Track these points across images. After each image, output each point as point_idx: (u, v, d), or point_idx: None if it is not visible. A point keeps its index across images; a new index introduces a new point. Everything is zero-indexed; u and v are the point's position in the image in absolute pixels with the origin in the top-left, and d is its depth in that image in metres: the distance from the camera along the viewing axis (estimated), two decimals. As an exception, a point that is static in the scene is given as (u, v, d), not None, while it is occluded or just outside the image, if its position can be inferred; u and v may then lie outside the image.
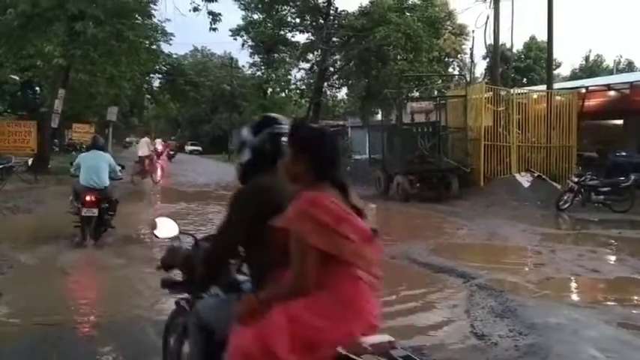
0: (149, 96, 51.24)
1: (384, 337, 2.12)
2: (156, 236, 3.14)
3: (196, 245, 2.85)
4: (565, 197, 14.41)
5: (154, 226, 3.10)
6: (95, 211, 8.30)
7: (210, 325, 2.57)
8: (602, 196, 14.19)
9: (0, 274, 6.50)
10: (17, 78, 28.50)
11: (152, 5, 25.22)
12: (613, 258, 9.02)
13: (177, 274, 2.88)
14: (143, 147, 21.00)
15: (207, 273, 2.53)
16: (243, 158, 2.65)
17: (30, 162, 18.37)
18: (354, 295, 2.10)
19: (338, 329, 2.02)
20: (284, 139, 2.39)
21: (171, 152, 38.29)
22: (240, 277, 2.72)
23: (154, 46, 31.29)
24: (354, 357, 1.91)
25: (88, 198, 8.29)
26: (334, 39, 31.80)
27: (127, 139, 60.92)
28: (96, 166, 8.74)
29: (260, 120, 2.76)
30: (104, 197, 8.57)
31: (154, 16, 27.71)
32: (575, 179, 14.54)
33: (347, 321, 2.05)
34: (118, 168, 9.48)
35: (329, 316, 2.04)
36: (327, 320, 2.03)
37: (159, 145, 28.95)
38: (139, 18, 23.90)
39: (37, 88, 34.62)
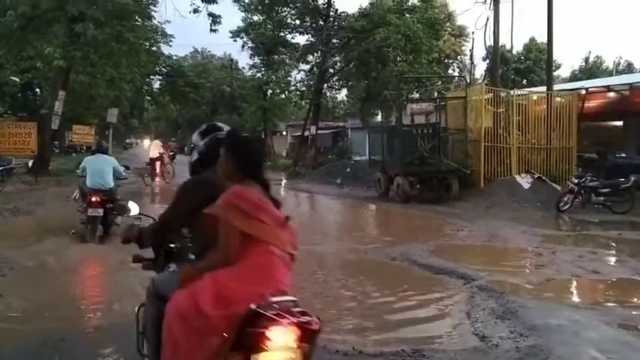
0: (149, 97, 51.25)
1: (289, 298, 2.61)
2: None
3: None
4: (565, 198, 14.41)
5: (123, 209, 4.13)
6: (100, 211, 8.89)
7: (163, 293, 2.95)
8: (602, 198, 14.19)
9: (1, 276, 6.49)
10: (17, 79, 28.52)
11: (152, 7, 25.31)
12: (613, 259, 9.02)
13: (147, 253, 3.39)
14: (154, 149, 22.01)
15: (153, 239, 3.21)
16: (192, 158, 3.35)
17: (30, 164, 18.38)
18: (267, 266, 2.63)
19: (251, 291, 2.52)
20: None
21: (171, 153, 38.30)
22: (193, 257, 3.15)
23: (154, 48, 31.35)
24: (262, 311, 2.41)
25: (93, 199, 8.87)
26: (334, 40, 31.83)
27: (127, 141, 60.96)
28: (101, 169, 9.35)
29: (207, 127, 3.39)
30: (109, 198, 9.14)
31: (154, 18, 27.79)
32: (575, 180, 14.55)
33: (259, 285, 2.56)
34: (122, 169, 10.03)
35: (245, 281, 2.56)
36: (243, 284, 2.54)
37: (159, 148, 28.34)
38: (139, 20, 23.94)
39: (37, 90, 34.64)
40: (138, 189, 18.09)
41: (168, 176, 21.27)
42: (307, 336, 2.46)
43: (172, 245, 3.26)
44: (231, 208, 2.64)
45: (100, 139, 13.91)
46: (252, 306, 2.44)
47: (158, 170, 21.22)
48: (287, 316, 2.41)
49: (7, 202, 13.19)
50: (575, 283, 7.35)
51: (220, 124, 3.38)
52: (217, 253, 2.68)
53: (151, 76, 43.66)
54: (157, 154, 21.63)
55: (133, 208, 4.38)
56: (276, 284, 2.61)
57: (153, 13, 26.01)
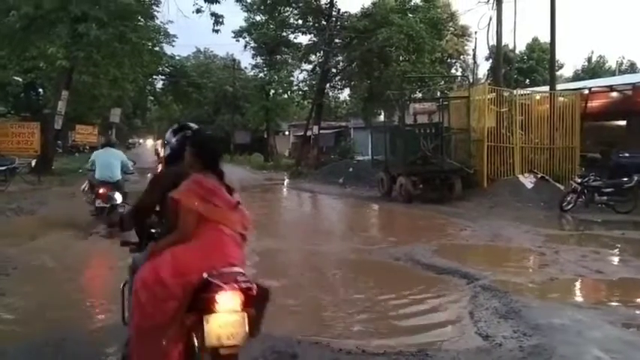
0: (152, 97, 51.34)
1: (236, 269, 3.03)
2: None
3: None
4: (568, 198, 14.38)
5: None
6: (101, 204, 9.41)
7: (138, 268, 3.34)
8: (605, 197, 14.16)
9: (5, 275, 6.51)
10: (20, 79, 28.56)
11: (155, 7, 25.36)
12: (616, 259, 9.01)
13: (132, 237, 3.78)
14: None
15: (131, 223, 3.67)
16: (165, 153, 3.89)
17: (33, 163, 18.42)
18: (218, 243, 3.10)
19: (204, 263, 2.97)
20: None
21: None
22: None
23: (156, 48, 31.39)
24: (212, 280, 2.87)
25: (101, 191, 9.36)
26: (336, 40, 31.84)
27: (130, 141, 61.05)
28: (109, 163, 10.04)
29: (178, 127, 3.91)
30: (116, 189, 9.59)
31: (157, 18, 27.86)
32: (579, 180, 14.51)
33: (210, 259, 3.01)
34: (130, 163, 10.66)
35: (198, 255, 3.02)
36: (196, 257, 3.01)
37: (159, 146, 30.65)
38: (142, 20, 23.98)
39: (41, 90, 34.70)
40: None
41: None
42: (251, 301, 2.93)
43: (153, 230, 3.65)
44: (190, 193, 3.14)
45: (109, 136, 14.73)
46: (205, 275, 2.91)
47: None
48: (233, 283, 2.87)
49: (10, 201, 13.23)
50: (578, 283, 7.34)
51: (190, 124, 3.91)
52: (176, 232, 3.15)
53: (154, 76, 43.75)
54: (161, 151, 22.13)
55: (117, 197, 5.86)
56: (226, 258, 3.06)
57: (155, 13, 26.10)
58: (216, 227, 3.13)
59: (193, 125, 3.90)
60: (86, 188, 10.65)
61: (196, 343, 2.92)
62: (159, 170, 3.90)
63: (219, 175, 3.35)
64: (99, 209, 9.33)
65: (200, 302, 2.89)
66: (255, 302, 2.99)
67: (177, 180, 3.27)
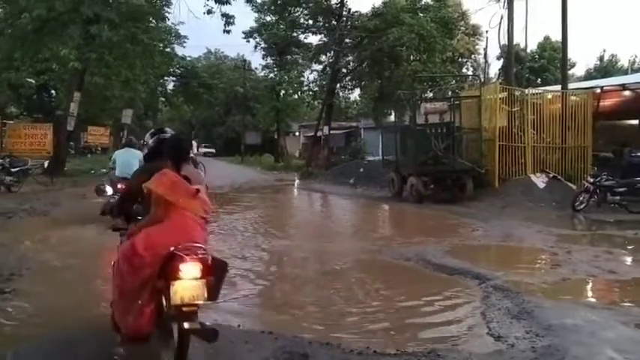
0: (163, 98, 51.65)
1: (197, 245, 3.61)
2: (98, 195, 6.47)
3: None
4: (581, 198, 14.29)
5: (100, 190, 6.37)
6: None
7: None
8: (618, 197, 14.05)
9: (18, 275, 6.55)
10: (33, 81, 28.81)
11: (166, 8, 25.49)
12: (629, 259, 8.93)
13: (121, 223, 4.37)
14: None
15: (119, 210, 4.40)
16: (144, 152, 4.77)
17: (46, 164, 18.55)
18: (182, 225, 3.74)
19: (171, 240, 3.61)
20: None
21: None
22: None
23: (167, 49, 31.62)
24: (177, 252, 3.49)
25: (119, 186, 9.64)
26: (347, 40, 31.84)
27: (142, 142, 61.31)
28: (128, 161, 10.97)
29: (154, 131, 4.61)
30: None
31: (168, 19, 28.03)
32: (591, 180, 14.41)
33: (176, 237, 3.64)
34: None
35: (166, 234, 3.67)
36: (165, 236, 3.66)
37: None
38: (153, 21, 24.11)
39: (53, 92, 34.98)
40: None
41: None
42: (209, 270, 3.50)
43: (140, 217, 4.17)
44: (158, 183, 3.79)
45: (131, 137, 15.48)
46: (172, 249, 3.54)
47: None
48: (193, 255, 3.47)
49: (23, 202, 13.33)
50: (591, 283, 7.28)
51: (165, 128, 4.68)
52: (149, 215, 3.86)
53: (165, 77, 44.03)
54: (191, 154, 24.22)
55: (108, 190, 6.69)
56: (189, 236, 3.68)
57: (167, 14, 26.25)
58: (181, 212, 3.80)
59: (168, 129, 4.67)
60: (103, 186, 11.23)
61: (164, 303, 3.58)
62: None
63: (186, 169, 4.05)
64: (113, 203, 9.69)
65: (167, 270, 3.51)
66: (215, 272, 3.59)
67: (153, 174, 3.91)
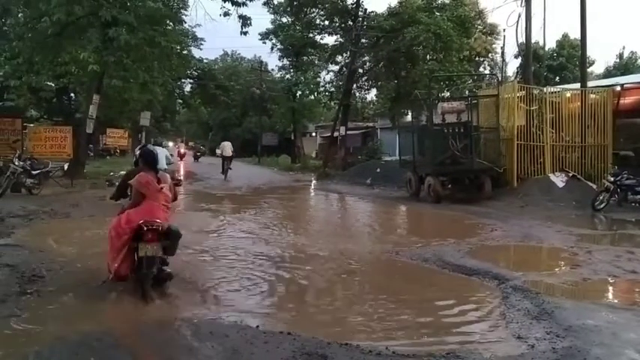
0: (180, 101, 51.96)
1: (158, 222, 5.80)
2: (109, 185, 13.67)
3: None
4: (601, 197, 14.14)
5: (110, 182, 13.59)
6: None
7: None
8: (639, 196, 13.89)
9: (40, 277, 6.63)
10: (53, 85, 29.11)
11: (183, 11, 25.68)
12: (651, 259, 8.81)
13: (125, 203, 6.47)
14: (227, 149, 28.25)
15: (117, 196, 6.80)
16: (134, 159, 7.65)
17: (66, 167, 18.73)
18: (150, 208, 5.89)
19: (142, 217, 5.77)
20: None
21: (198, 154, 50.54)
22: None
23: (185, 52, 31.74)
24: (143, 225, 5.69)
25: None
26: (363, 40, 31.79)
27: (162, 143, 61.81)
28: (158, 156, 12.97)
29: (142, 145, 9.38)
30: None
31: (185, 22, 28.21)
32: (611, 179, 14.26)
33: (145, 216, 5.78)
34: (170, 157, 15.34)
35: (140, 214, 5.82)
36: (139, 215, 5.81)
37: (182, 148, 46.22)
38: (171, 24, 24.25)
39: (72, 95, 35.32)
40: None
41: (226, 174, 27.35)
42: (163, 235, 5.87)
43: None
44: (136, 181, 6.05)
45: (158, 138, 17.80)
46: (141, 222, 5.75)
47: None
48: (153, 226, 5.76)
49: (43, 204, 13.49)
50: (612, 284, 7.19)
51: (149, 145, 8.21)
52: (131, 202, 6.17)
53: (182, 80, 44.30)
54: (230, 154, 28.24)
55: (114, 182, 10.65)
56: (154, 216, 5.88)
57: (184, 17, 26.43)
58: (150, 201, 6.03)
59: (150, 146, 7.95)
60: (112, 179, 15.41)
61: (137, 254, 5.88)
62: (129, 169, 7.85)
63: (155, 173, 6.27)
64: None
65: (138, 236, 5.81)
66: (170, 237, 6.01)
67: (135, 175, 6.28)
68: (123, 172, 13.71)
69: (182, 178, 21.68)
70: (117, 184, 8.12)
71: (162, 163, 12.57)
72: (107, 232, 6.19)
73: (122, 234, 5.83)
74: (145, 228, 5.73)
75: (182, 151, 46.80)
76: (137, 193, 6.02)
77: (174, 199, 6.62)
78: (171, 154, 16.36)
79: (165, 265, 6.26)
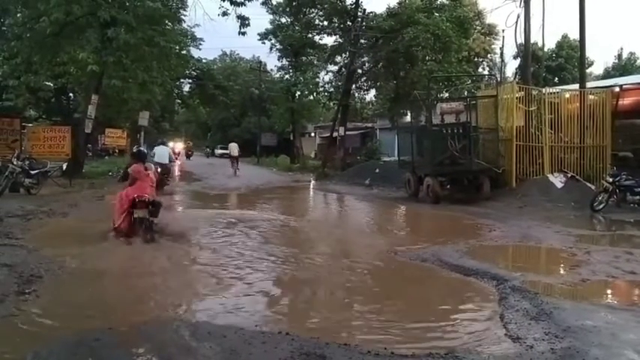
0: (179, 101, 51.95)
1: (147, 195, 9.04)
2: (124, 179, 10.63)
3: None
4: (600, 198, 14.15)
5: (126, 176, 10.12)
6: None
7: None
8: (638, 197, 13.91)
9: (38, 277, 6.61)
10: (52, 85, 28.99)
11: (182, 11, 25.62)
12: (651, 260, 8.81)
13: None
14: (234, 150, 31.85)
15: (123, 179, 10.22)
16: (130, 156, 13.80)
17: (64, 167, 18.71)
18: (141, 187, 9.16)
19: (135, 193, 9.00)
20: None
21: (189, 153, 55.30)
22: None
23: (183, 52, 31.70)
24: (136, 198, 8.88)
25: (156, 166, 14.32)
26: (362, 41, 31.81)
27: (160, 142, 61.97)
28: (162, 153, 18.34)
29: (137, 147, 15.98)
30: (165, 169, 18.12)
31: (184, 22, 28.16)
32: (610, 179, 14.27)
33: (137, 192, 9.02)
34: (173, 155, 20.20)
35: (134, 190, 9.09)
36: (134, 191, 9.07)
37: (177, 148, 48.56)
38: (170, 24, 24.22)
39: (71, 95, 35.18)
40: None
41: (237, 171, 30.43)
42: (150, 204, 8.96)
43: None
44: (132, 170, 9.41)
45: (162, 139, 24.81)
46: (135, 196, 8.85)
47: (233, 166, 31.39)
48: (143, 197, 8.89)
49: (42, 204, 13.47)
50: (611, 284, 7.19)
51: (140, 148, 12.28)
52: (128, 183, 9.34)
53: (181, 80, 44.27)
54: (236, 153, 31.60)
55: (125, 175, 10.47)
56: (143, 192, 8.98)
57: (182, 16, 26.38)
58: (140, 182, 9.13)
59: (142, 148, 11.83)
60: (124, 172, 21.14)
61: (133, 216, 8.78)
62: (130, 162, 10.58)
63: (143, 163, 9.60)
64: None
65: (133, 205, 8.78)
66: (154, 206, 9.02)
67: (131, 166, 9.52)
68: (114, 196, 15.96)
69: (172, 177, 22.72)
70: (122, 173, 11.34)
71: (166, 159, 18.14)
72: (114, 201, 9.37)
73: (123, 203, 8.94)
74: (138, 200, 8.87)
75: (177, 150, 48.25)
76: (132, 177, 9.38)
77: (158, 181, 11.03)
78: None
79: (155, 218, 9.21)
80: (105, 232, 9.21)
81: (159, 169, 15.64)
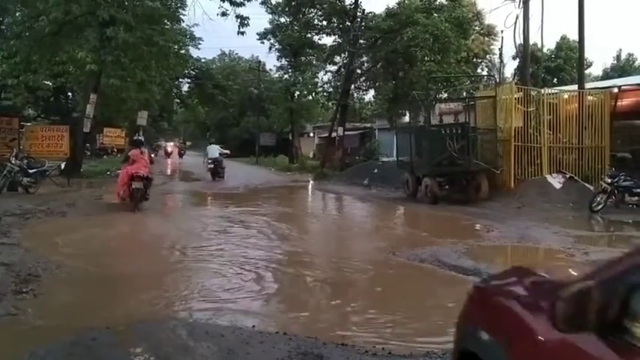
0: (178, 100, 51.89)
1: (142, 172, 13.17)
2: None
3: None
4: (598, 199, 14.15)
5: (127, 158, 15.09)
6: (212, 166, 24.74)
7: None
8: (636, 198, 13.91)
9: (35, 276, 6.61)
10: (50, 84, 29.02)
11: (181, 10, 25.62)
12: (649, 260, 8.79)
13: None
14: (214, 151, 27.06)
15: (124, 160, 15.34)
16: (129, 143, 25.08)
17: (63, 166, 18.71)
18: (138, 166, 13.40)
19: (134, 169, 13.23)
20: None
21: (182, 152, 56.21)
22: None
23: (182, 51, 31.67)
24: (134, 173, 13.09)
25: (210, 161, 24.09)
26: (361, 41, 31.77)
27: (157, 143, 61.90)
28: (213, 150, 25.12)
29: (136, 136, 19.49)
30: (217, 161, 24.73)
31: (183, 21, 28.15)
32: (609, 180, 14.27)
33: (135, 169, 13.23)
34: (222, 151, 25.82)
35: (133, 168, 13.31)
36: (133, 168, 13.29)
37: (169, 147, 53.18)
38: (168, 23, 24.23)
39: (70, 94, 35.21)
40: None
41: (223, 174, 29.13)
42: (144, 179, 13.21)
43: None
44: (132, 154, 13.96)
45: (212, 140, 29.73)
46: (133, 172, 13.10)
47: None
48: (139, 173, 13.12)
49: (40, 203, 13.48)
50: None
51: (140, 136, 19.36)
52: (128, 163, 13.89)
53: (180, 79, 44.21)
54: (217, 155, 28.96)
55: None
56: (140, 170, 13.19)
57: (181, 16, 26.38)
58: (138, 162, 13.49)
59: (140, 137, 17.74)
60: (205, 160, 26.51)
61: (131, 187, 13.00)
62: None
63: (140, 149, 14.03)
64: (210, 168, 24.71)
65: (132, 179, 13.00)
66: (147, 180, 13.37)
67: (130, 151, 14.58)
68: (119, 171, 16.65)
69: (223, 167, 25.30)
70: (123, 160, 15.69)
71: (216, 154, 25.08)
72: (119, 176, 13.89)
73: (125, 177, 13.04)
74: (135, 175, 12.82)
75: (169, 149, 53.10)
76: (131, 159, 13.59)
77: (151, 162, 14.80)
78: (226, 152, 27.02)
79: (147, 193, 13.47)
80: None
81: (209, 161, 24.82)
